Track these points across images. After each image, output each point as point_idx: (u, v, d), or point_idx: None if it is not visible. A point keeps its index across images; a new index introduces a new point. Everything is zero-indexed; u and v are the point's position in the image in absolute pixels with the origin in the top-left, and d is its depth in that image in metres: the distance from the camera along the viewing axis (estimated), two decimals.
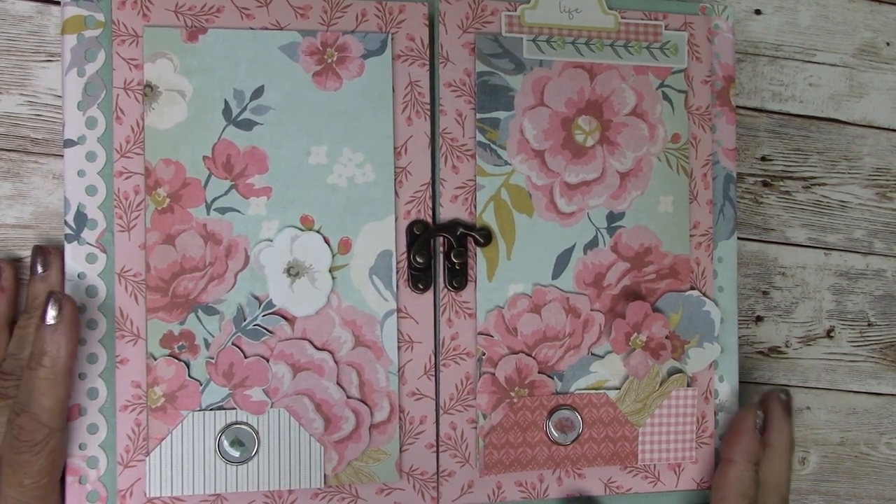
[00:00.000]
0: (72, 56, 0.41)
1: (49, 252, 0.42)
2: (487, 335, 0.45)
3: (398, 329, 0.44)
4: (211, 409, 0.42)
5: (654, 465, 0.48)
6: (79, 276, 0.41)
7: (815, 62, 0.57)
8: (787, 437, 0.47)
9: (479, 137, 0.45)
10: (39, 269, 0.42)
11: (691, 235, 0.48)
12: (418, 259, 0.44)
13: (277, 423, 0.43)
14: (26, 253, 0.46)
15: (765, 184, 0.56)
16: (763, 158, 0.56)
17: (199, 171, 0.42)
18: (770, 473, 0.47)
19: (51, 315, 0.39)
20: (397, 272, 0.44)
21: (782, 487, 0.47)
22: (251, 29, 0.43)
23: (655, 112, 0.48)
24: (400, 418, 0.44)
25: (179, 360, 0.42)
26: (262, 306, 0.43)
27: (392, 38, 0.44)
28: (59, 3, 0.43)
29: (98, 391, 0.41)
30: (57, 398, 0.39)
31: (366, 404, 0.44)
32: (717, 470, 0.47)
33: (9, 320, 0.43)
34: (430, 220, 0.45)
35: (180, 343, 0.42)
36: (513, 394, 0.46)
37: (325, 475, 0.43)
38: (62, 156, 0.42)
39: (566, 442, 0.46)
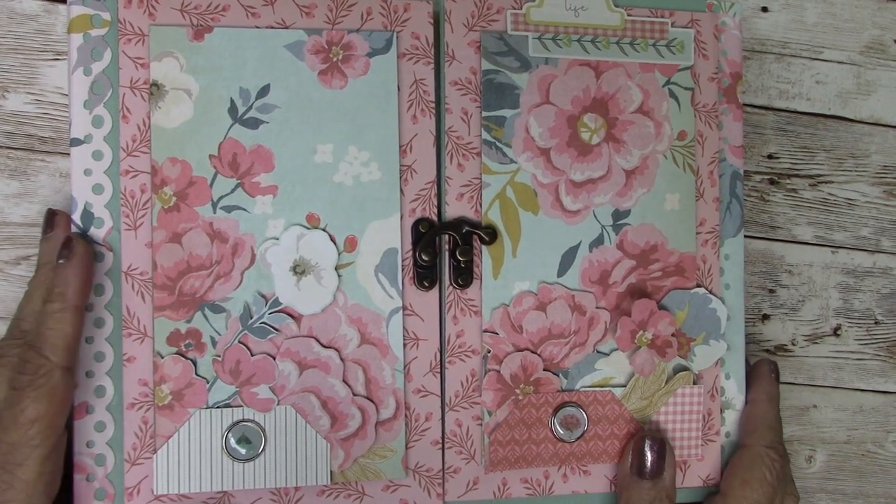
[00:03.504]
0: (78, 55, 0.41)
1: (55, 213, 0.42)
2: (493, 333, 0.45)
3: (404, 327, 0.44)
4: (218, 407, 0.42)
5: None
6: None
7: (822, 60, 0.57)
8: (771, 391, 0.50)
9: (485, 135, 0.45)
10: (51, 230, 0.41)
11: (698, 233, 0.48)
12: (424, 257, 0.44)
13: (284, 421, 0.43)
14: (32, 251, 0.46)
15: (771, 182, 0.56)
16: (770, 156, 0.56)
17: (205, 169, 0.42)
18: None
19: (62, 254, 0.39)
20: (403, 270, 0.44)
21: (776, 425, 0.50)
22: (257, 28, 0.43)
23: (662, 109, 0.48)
24: (406, 415, 0.45)
25: (186, 358, 0.42)
26: (268, 304, 0.43)
27: (397, 37, 0.44)
28: (65, 2, 0.43)
29: (105, 389, 0.42)
30: (63, 334, 0.38)
31: (372, 401, 0.44)
32: (743, 411, 0.50)
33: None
34: (435, 218, 0.45)
35: (187, 341, 0.42)
36: (518, 391, 0.46)
37: (331, 472, 0.44)
38: (69, 154, 0.42)
39: (571, 439, 0.46)
